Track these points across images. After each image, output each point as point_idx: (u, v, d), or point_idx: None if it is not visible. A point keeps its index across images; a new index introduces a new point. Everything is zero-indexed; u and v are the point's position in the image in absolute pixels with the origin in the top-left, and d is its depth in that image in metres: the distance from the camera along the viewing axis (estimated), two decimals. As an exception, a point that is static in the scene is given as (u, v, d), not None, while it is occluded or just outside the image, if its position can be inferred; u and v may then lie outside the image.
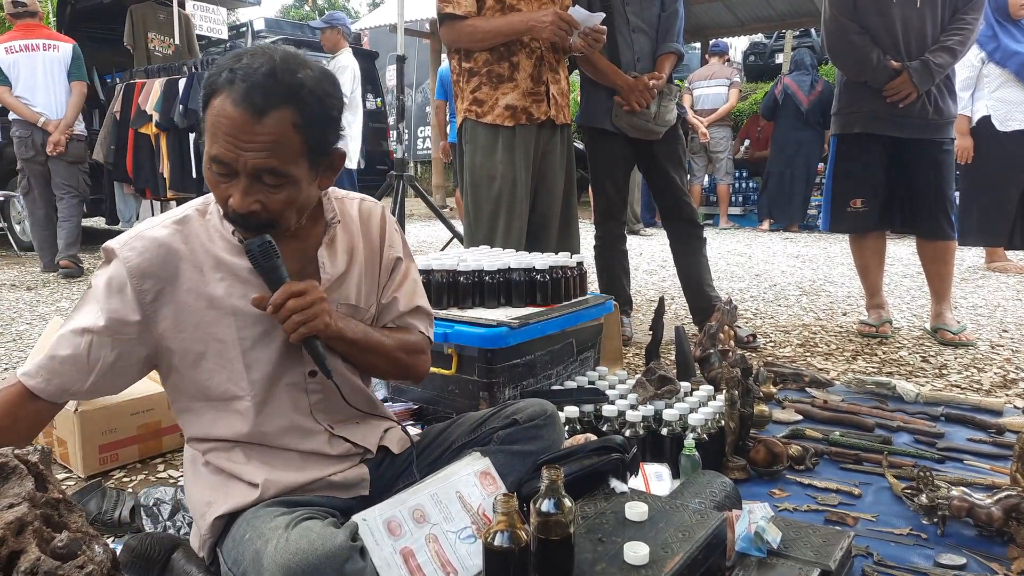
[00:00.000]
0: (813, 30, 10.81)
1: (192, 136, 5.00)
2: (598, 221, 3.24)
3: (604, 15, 2.71)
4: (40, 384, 1.15)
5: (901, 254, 5.45)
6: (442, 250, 4.24)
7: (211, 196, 1.27)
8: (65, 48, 5.10)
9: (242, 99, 1.09)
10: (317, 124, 1.15)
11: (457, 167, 2.88)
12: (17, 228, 7.10)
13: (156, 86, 5.15)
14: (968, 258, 5.39)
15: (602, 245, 3.23)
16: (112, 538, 1.54)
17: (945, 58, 2.93)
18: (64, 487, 1.04)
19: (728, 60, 8.31)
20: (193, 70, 5.10)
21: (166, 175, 5.19)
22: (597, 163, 3.16)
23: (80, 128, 5.22)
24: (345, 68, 5.32)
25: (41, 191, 5.21)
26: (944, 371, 2.73)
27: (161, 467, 1.98)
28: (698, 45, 10.97)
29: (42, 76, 4.98)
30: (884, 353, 3.00)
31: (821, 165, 7.50)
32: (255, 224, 1.18)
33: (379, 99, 8.34)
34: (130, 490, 1.77)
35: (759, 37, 12.46)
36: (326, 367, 1.23)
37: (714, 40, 8.79)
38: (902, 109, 2.98)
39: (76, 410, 1.88)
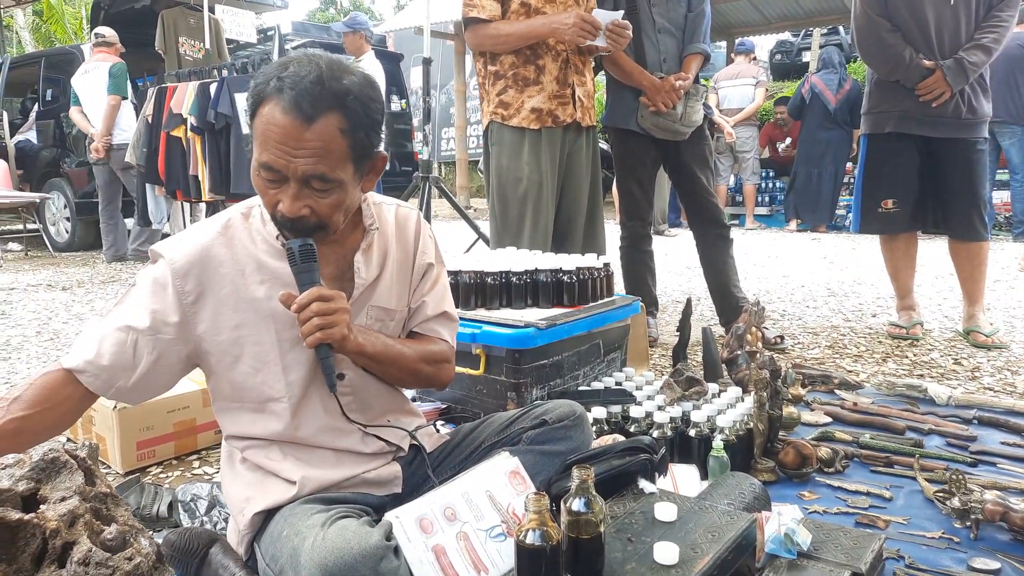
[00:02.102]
0: (841, 28, 10.68)
1: (223, 139, 5.08)
2: (623, 222, 3.24)
3: (623, 11, 2.73)
4: (88, 379, 1.17)
5: (933, 255, 5.37)
6: (466, 251, 4.26)
7: (254, 199, 1.30)
8: (104, 66, 5.84)
9: (291, 107, 1.12)
10: (362, 128, 1.18)
11: (484, 169, 2.89)
12: (52, 229, 7.27)
13: (190, 89, 5.22)
14: (1001, 259, 5.29)
15: (627, 246, 3.23)
16: (151, 532, 1.58)
17: (979, 56, 2.88)
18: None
19: (754, 59, 8.23)
20: (223, 74, 5.18)
21: (200, 178, 5.27)
22: (623, 164, 3.16)
23: (122, 138, 5.85)
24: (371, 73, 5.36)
25: (102, 189, 6.13)
26: (977, 374, 2.69)
27: (196, 464, 2.02)
28: (724, 44, 10.89)
29: (92, 93, 5.88)
30: (915, 355, 2.96)
31: (849, 165, 7.41)
32: (304, 228, 1.19)
33: (404, 101, 8.39)
34: (167, 486, 1.81)
35: (786, 35, 12.33)
36: (332, 379, 1.24)
37: (740, 39, 8.71)
38: (935, 108, 2.94)
39: (115, 408, 1.93)
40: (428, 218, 4.66)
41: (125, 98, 5.91)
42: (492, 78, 2.72)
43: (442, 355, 1.43)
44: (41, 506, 0.83)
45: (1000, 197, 6.71)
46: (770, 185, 8.45)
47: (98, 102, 5.83)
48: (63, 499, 0.84)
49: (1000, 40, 2.92)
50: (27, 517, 0.80)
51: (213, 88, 5.05)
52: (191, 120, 5.15)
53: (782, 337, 3.14)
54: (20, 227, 7.37)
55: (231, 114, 4.93)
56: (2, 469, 0.86)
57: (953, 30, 2.93)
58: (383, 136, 1.25)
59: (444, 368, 1.44)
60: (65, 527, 0.81)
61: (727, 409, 1.84)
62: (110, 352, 1.18)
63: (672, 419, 1.78)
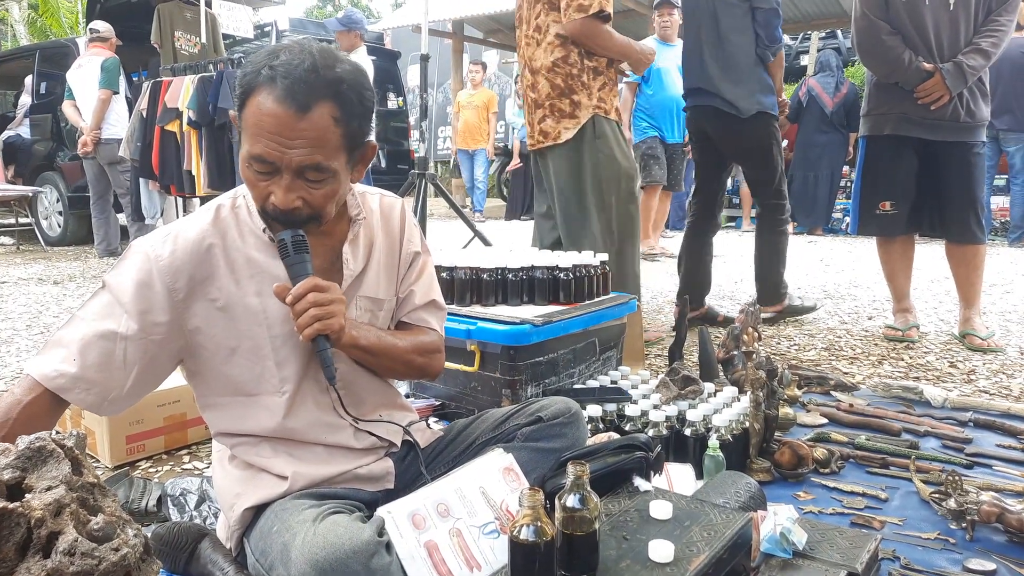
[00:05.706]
0: (839, 32, 10.69)
1: (223, 133, 5.05)
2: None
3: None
4: (78, 396, 1.12)
5: (929, 259, 5.37)
6: (463, 248, 4.25)
7: (239, 190, 1.28)
8: (96, 60, 5.85)
9: (285, 96, 1.09)
10: (356, 118, 1.16)
11: (575, 164, 2.76)
12: (44, 223, 7.22)
13: (188, 83, 5.19)
14: (996, 264, 5.30)
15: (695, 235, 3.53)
16: (140, 526, 1.56)
17: (978, 60, 2.88)
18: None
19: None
20: (220, 68, 5.15)
21: (196, 173, 5.23)
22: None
23: (111, 133, 5.82)
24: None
25: (92, 183, 6.12)
26: (972, 376, 2.69)
27: (186, 458, 2.00)
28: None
29: (85, 87, 5.88)
30: (911, 358, 2.96)
31: (846, 168, 7.41)
32: (297, 220, 1.17)
33: (400, 98, 8.37)
34: (156, 480, 1.79)
35: (784, 38, 12.35)
36: (331, 371, 1.21)
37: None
38: (934, 112, 2.94)
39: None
40: (424, 216, 4.64)
41: (116, 93, 5.88)
42: (591, 72, 2.74)
43: (433, 345, 1.42)
44: (26, 495, 0.81)
45: (997, 202, 6.73)
46: (766, 188, 8.43)
47: (90, 96, 5.82)
48: (49, 488, 0.82)
49: (999, 44, 2.93)
50: (11, 506, 0.78)
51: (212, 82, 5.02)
52: (189, 114, 5.12)
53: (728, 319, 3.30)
54: (12, 221, 7.33)
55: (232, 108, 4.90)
56: (-13, 458, 0.84)
57: (952, 34, 2.93)
58: (374, 125, 1.23)
59: (435, 358, 1.43)
60: (50, 516, 0.79)
61: (723, 409, 1.83)
62: (97, 364, 1.12)
63: (668, 418, 1.77)
